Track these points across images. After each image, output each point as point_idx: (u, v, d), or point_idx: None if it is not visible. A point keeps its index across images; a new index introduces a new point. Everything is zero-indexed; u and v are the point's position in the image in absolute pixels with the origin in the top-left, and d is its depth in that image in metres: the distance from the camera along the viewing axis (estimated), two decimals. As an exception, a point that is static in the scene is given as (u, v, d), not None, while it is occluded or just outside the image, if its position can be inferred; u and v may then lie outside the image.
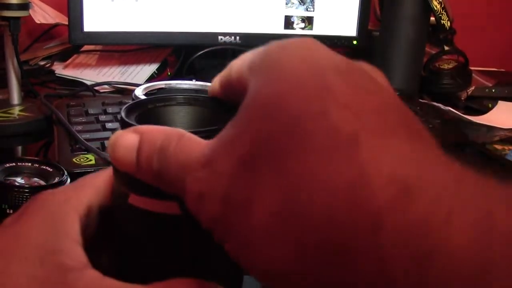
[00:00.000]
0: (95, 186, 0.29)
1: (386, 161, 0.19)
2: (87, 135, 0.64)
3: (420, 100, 0.96)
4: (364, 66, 0.24)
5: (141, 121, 0.27)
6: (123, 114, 0.27)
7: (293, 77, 0.21)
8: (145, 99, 0.31)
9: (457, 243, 0.17)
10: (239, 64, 0.26)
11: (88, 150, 0.61)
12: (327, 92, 0.20)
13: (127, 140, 0.25)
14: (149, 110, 0.29)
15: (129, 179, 0.25)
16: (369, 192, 0.18)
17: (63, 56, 1.06)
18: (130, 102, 0.30)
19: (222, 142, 0.22)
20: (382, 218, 0.18)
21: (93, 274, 0.25)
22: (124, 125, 0.26)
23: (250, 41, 1.01)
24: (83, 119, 0.69)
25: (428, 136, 0.21)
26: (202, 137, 0.24)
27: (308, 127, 0.20)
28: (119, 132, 0.25)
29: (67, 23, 0.90)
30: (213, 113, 0.30)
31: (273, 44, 0.24)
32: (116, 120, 0.70)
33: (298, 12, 1.03)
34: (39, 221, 0.27)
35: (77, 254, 0.26)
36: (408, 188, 0.18)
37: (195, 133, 0.24)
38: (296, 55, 0.23)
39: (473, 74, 1.07)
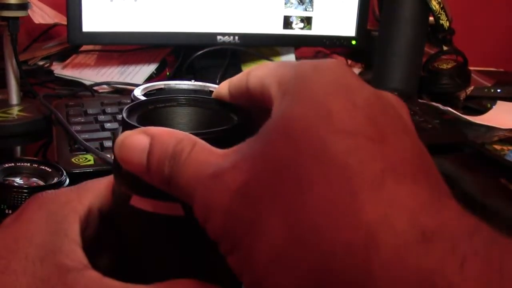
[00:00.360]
0: (96, 190, 0.29)
1: (408, 206, 0.19)
2: (86, 135, 0.64)
3: (419, 100, 0.96)
4: (390, 98, 0.24)
5: (142, 121, 0.27)
6: (124, 115, 0.27)
7: (324, 111, 0.21)
8: (146, 99, 0.31)
9: None
10: (260, 74, 0.25)
11: (87, 150, 0.61)
12: (356, 132, 0.20)
13: (136, 141, 0.24)
14: (150, 111, 0.29)
15: (132, 180, 0.25)
16: (389, 236, 0.18)
17: (62, 56, 1.06)
18: (131, 102, 0.30)
19: (238, 157, 0.22)
20: (397, 263, 0.18)
21: (93, 275, 0.25)
22: (126, 126, 0.26)
23: (249, 41, 1.01)
24: (82, 119, 0.69)
25: (443, 182, 0.21)
26: (203, 139, 0.24)
27: (330, 165, 0.20)
28: (128, 132, 0.25)
29: (66, 23, 0.90)
30: (215, 114, 0.30)
31: (306, 63, 0.24)
32: (115, 120, 0.70)
33: (297, 12, 1.03)
34: (39, 221, 0.27)
35: (77, 254, 0.26)
36: (426, 235, 0.18)
37: (197, 135, 0.24)
38: (330, 83, 0.22)
39: (472, 74, 1.07)
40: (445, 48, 1.04)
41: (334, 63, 0.24)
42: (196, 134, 0.24)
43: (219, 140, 0.24)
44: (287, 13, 1.02)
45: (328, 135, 0.20)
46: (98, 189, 0.29)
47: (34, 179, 0.48)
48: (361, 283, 0.18)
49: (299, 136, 0.20)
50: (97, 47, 1.06)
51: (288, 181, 0.20)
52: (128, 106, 0.28)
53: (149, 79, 1.00)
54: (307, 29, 1.04)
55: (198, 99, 0.30)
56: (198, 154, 0.23)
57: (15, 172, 0.49)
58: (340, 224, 0.19)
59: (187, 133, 0.24)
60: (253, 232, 0.20)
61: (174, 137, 0.24)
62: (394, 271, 0.18)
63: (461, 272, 0.17)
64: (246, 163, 0.21)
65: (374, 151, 0.20)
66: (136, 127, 0.26)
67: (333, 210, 0.19)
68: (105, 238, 0.29)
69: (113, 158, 0.27)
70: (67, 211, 0.27)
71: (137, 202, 0.26)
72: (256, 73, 0.26)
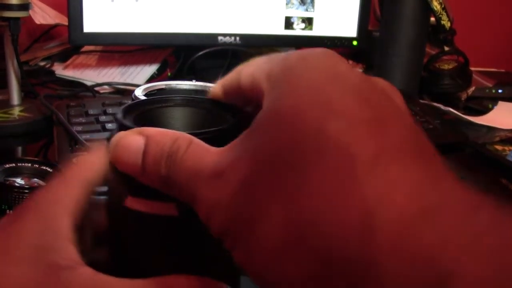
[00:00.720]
0: (83, 178, 0.28)
1: (406, 183, 0.19)
2: (87, 136, 0.64)
3: (420, 100, 0.96)
4: (381, 83, 0.24)
5: (139, 122, 0.27)
6: (120, 115, 0.27)
7: (315, 96, 0.21)
8: (141, 100, 0.31)
9: (474, 271, 0.17)
10: (250, 70, 0.25)
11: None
12: (350, 113, 0.20)
13: (131, 141, 0.24)
14: (146, 111, 0.29)
15: (126, 181, 0.25)
16: (387, 213, 0.18)
17: (63, 57, 1.06)
18: (127, 103, 0.30)
19: (235, 153, 0.22)
20: (397, 239, 0.18)
21: (86, 271, 0.25)
22: (121, 126, 0.26)
23: (250, 41, 1.01)
24: (83, 120, 0.69)
25: (440, 160, 0.21)
26: (200, 139, 0.24)
27: (327, 147, 0.20)
28: (123, 133, 0.25)
29: (67, 23, 0.90)
30: (210, 114, 0.30)
31: (293, 54, 0.24)
32: (116, 120, 0.70)
33: (298, 12, 1.03)
34: (31, 222, 0.27)
35: (69, 252, 0.25)
36: (426, 211, 0.18)
37: (193, 134, 0.24)
38: (319, 70, 0.22)
39: (473, 75, 1.07)
40: (446, 48, 1.04)
41: (322, 52, 0.24)
42: (192, 134, 0.24)
43: (215, 140, 0.24)
44: (288, 13, 1.02)
45: (320, 119, 0.20)
46: (85, 176, 0.28)
47: (35, 179, 0.49)
48: (364, 260, 0.18)
49: (290, 124, 0.20)
50: (98, 48, 1.06)
51: (283, 170, 0.20)
52: (123, 106, 0.28)
53: (150, 79, 1.00)
54: (308, 30, 1.04)
55: (194, 99, 0.30)
56: (195, 152, 0.23)
57: (16, 173, 0.49)
58: (339, 205, 0.19)
59: (182, 133, 0.24)
60: (255, 225, 0.20)
61: (169, 137, 0.24)
62: (395, 247, 0.18)
63: (465, 251, 0.17)
64: (242, 159, 0.21)
65: (369, 131, 0.20)
66: (131, 127, 0.26)
67: (331, 192, 0.19)
68: (103, 233, 0.29)
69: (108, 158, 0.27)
70: (57, 208, 0.27)
71: (131, 203, 0.26)
72: (247, 70, 0.26)
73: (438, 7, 0.96)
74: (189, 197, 0.23)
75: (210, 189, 0.22)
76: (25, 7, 0.74)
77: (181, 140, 0.24)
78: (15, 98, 0.79)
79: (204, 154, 0.23)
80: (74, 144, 0.62)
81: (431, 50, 1.06)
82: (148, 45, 1.03)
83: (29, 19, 0.94)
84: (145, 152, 0.24)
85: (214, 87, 0.30)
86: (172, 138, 0.24)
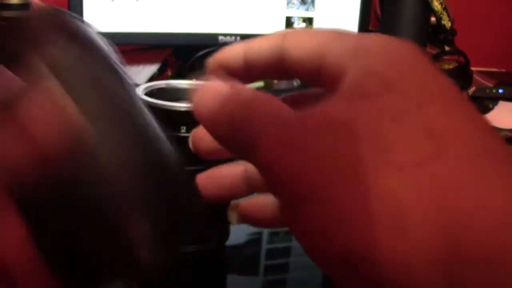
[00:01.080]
0: None
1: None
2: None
3: (421, 100, 0.96)
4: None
5: None
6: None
7: (429, 86, 0.21)
8: None
9: None
10: (313, 49, 0.24)
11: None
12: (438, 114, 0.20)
13: (220, 83, 0.23)
14: None
15: None
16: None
17: (63, 57, 1.06)
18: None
19: (333, 105, 0.21)
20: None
21: None
22: None
23: (250, 41, 1.00)
24: (83, 120, 0.69)
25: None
26: None
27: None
28: (208, 82, 0.23)
29: (67, 23, 0.90)
30: None
31: (382, 38, 0.24)
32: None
33: (299, 12, 1.03)
34: None
35: None
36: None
37: None
38: (424, 64, 0.23)
39: (474, 75, 1.07)
40: (446, 48, 1.04)
41: (410, 45, 0.24)
42: None
43: None
44: (289, 13, 1.02)
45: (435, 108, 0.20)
46: None
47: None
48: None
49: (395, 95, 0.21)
50: (99, 48, 1.06)
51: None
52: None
53: (151, 79, 1.00)
54: (308, 30, 1.04)
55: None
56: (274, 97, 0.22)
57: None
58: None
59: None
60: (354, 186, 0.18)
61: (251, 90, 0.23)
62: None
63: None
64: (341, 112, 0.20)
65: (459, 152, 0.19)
66: None
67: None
68: None
69: None
70: None
71: None
72: (299, 47, 0.24)
73: (439, 7, 0.96)
74: (254, 132, 0.21)
75: (289, 132, 0.20)
76: (25, 6, 0.74)
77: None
78: (15, 98, 0.79)
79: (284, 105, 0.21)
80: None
81: (431, 50, 1.06)
82: (149, 45, 1.03)
83: (30, 19, 0.94)
84: (234, 92, 0.22)
85: (231, 53, 0.28)
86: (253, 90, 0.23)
